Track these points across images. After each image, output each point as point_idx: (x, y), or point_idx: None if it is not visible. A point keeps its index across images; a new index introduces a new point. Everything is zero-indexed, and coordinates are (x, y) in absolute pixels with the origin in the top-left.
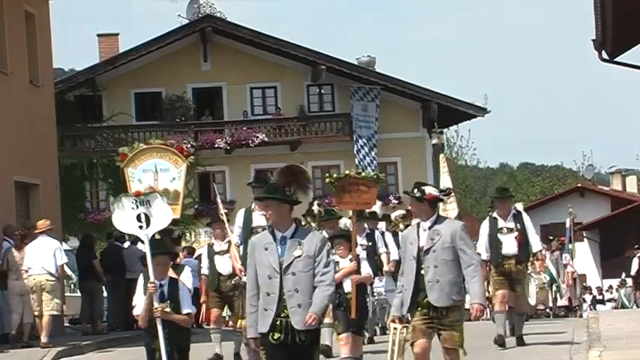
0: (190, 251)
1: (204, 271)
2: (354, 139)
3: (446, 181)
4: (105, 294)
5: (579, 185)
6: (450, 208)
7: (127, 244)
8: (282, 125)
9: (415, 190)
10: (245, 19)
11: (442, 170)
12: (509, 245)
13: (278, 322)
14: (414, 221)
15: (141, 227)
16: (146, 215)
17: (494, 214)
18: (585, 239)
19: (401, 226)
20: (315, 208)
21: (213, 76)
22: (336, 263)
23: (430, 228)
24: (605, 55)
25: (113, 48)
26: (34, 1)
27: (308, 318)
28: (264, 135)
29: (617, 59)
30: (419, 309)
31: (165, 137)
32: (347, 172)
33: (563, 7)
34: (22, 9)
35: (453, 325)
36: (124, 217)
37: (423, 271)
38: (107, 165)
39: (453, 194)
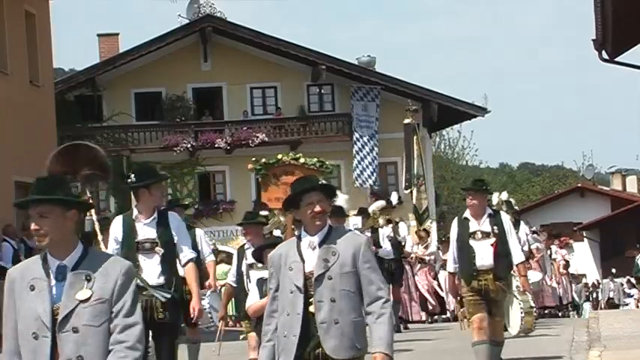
0: None
1: None
2: (355, 139)
3: (417, 167)
4: None
5: (579, 185)
6: (421, 197)
7: None
8: (282, 125)
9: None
10: (245, 19)
11: (415, 154)
12: (485, 255)
13: None
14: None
15: None
16: None
17: (466, 214)
18: (585, 239)
19: (380, 221)
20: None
21: (213, 76)
22: (264, 281)
23: (321, 245)
24: (605, 55)
25: (113, 48)
26: (34, 1)
27: None
28: (264, 135)
29: (617, 59)
30: None
31: (166, 137)
32: (280, 156)
33: (563, 7)
34: (22, 9)
35: None
36: None
37: (312, 308)
38: None
39: (423, 183)
